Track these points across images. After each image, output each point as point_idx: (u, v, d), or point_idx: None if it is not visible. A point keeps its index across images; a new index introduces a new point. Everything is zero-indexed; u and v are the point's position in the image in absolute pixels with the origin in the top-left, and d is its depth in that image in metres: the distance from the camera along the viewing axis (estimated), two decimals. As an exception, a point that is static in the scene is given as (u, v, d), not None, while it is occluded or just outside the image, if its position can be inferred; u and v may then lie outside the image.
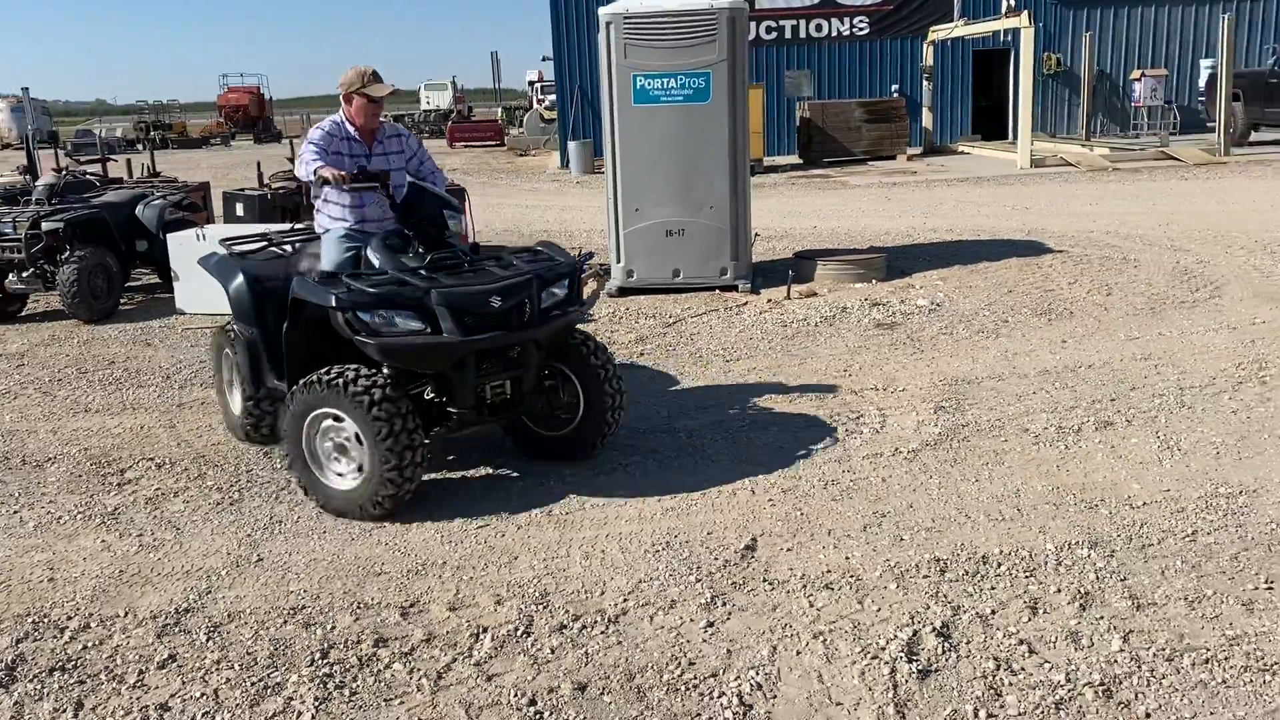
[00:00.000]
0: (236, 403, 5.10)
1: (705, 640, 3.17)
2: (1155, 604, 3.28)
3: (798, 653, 3.07)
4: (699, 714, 2.80)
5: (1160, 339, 6.36)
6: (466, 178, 18.95)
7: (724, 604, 3.38)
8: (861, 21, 23.21)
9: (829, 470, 4.51)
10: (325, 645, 3.21)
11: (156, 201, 9.23)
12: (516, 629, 3.27)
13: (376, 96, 4.68)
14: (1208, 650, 3.00)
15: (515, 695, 2.91)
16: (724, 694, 2.87)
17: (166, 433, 5.45)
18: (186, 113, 60.11)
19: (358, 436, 4.03)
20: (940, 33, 20.98)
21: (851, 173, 18.39)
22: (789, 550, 3.77)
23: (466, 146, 32.87)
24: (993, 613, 3.25)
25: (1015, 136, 18.72)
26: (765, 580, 3.54)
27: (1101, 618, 3.20)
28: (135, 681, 3.06)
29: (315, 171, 4.48)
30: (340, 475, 4.20)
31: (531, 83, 45.87)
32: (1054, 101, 23.71)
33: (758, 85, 19.82)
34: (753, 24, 23.04)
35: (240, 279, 4.73)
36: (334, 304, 4.08)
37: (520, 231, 12.31)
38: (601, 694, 2.91)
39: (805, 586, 3.48)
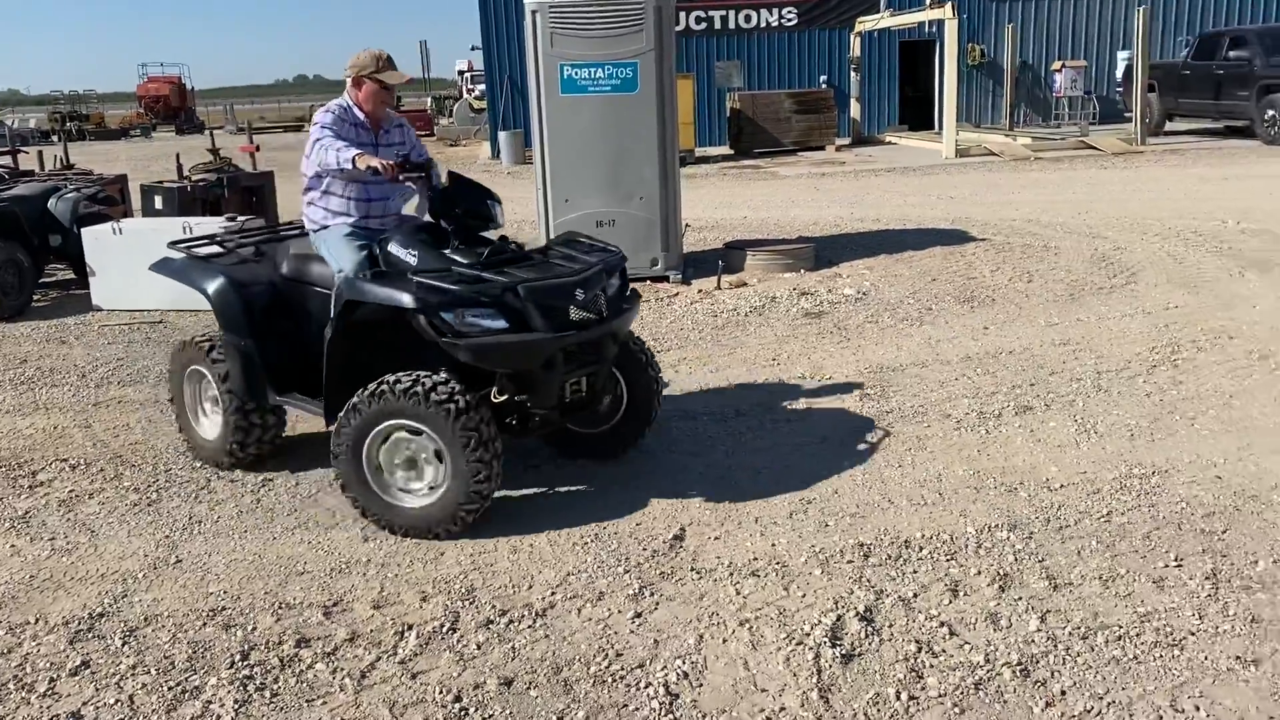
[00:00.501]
0: (213, 426, 4.65)
1: (633, 631, 3.17)
2: (1071, 584, 3.36)
3: (724, 640, 3.09)
4: (625, 705, 2.80)
5: (1078, 325, 6.52)
6: (395, 169, 18.70)
7: (652, 594, 3.39)
8: (790, 13, 23.37)
9: (757, 459, 4.54)
10: (245, 647, 3.14)
11: (70, 194, 8.93)
12: (442, 626, 3.24)
13: (390, 83, 4.35)
14: (1120, 627, 3.08)
15: (440, 692, 2.89)
16: (650, 684, 2.88)
17: (81, 433, 5.29)
18: (105, 103, 58.35)
19: (436, 451, 3.76)
20: (867, 24, 21.21)
21: (782, 163, 18.52)
22: (717, 539, 3.79)
23: (396, 137, 32.34)
24: (915, 596, 3.31)
25: (941, 127, 19.00)
26: (693, 569, 3.55)
27: (1020, 598, 3.27)
28: (46, 690, 2.97)
29: (355, 159, 4.00)
30: (408, 492, 3.88)
31: (461, 72, 45.39)
32: (978, 92, 24.15)
33: (687, 76, 19.83)
34: (681, 14, 23.07)
35: (224, 283, 4.35)
36: (415, 305, 3.73)
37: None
38: (528, 688, 2.90)
39: (732, 575, 3.50)
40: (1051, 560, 3.52)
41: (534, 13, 7.92)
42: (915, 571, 3.47)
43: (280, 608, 3.39)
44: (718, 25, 23.47)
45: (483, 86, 26.62)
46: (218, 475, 4.58)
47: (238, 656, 3.09)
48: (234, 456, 4.56)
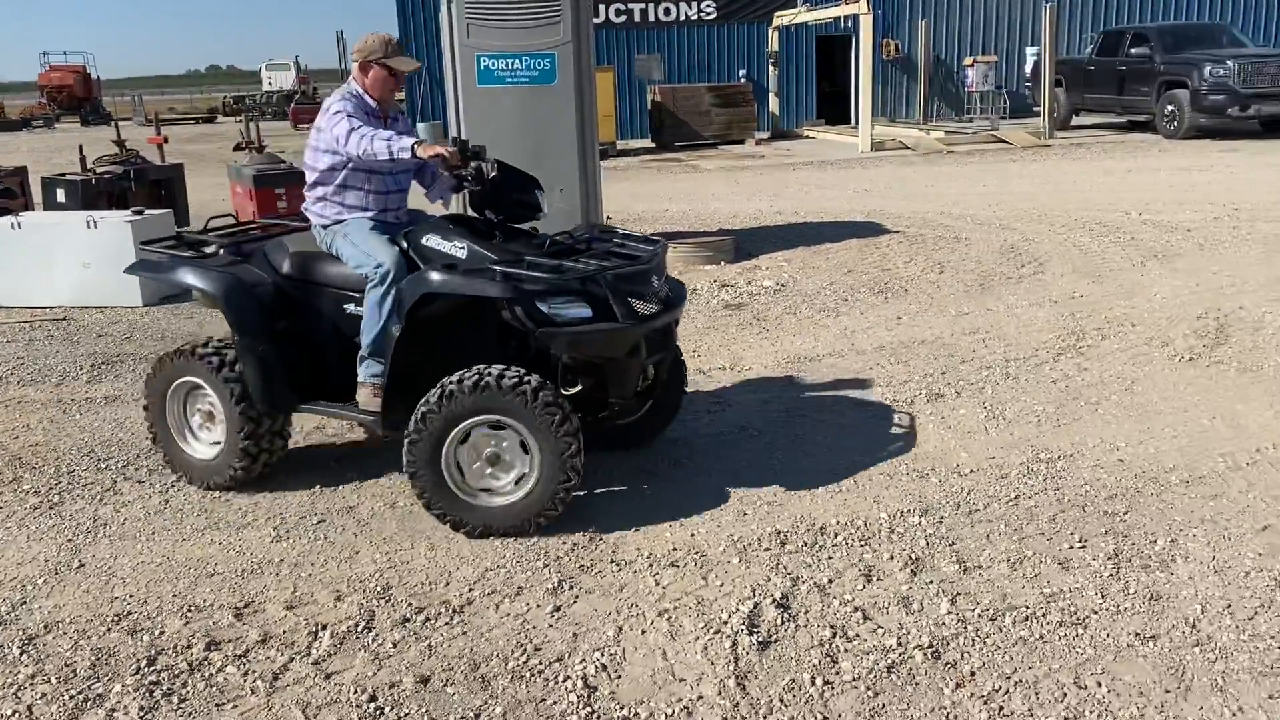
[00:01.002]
0: (207, 444, 4.27)
1: (551, 625, 3.16)
2: (980, 567, 3.44)
3: (643, 632, 3.10)
4: (544, 699, 2.79)
5: (988, 314, 6.68)
6: (311, 161, 18.34)
7: (571, 587, 3.38)
8: (709, 6, 23.48)
9: (677, 450, 4.56)
10: (152, 652, 3.06)
11: (-36, 188, 8.58)
12: (357, 625, 3.19)
13: (399, 70, 4.17)
14: (1027, 608, 3.17)
15: (355, 692, 2.84)
16: (569, 678, 2.88)
17: (-23, 435, 5.09)
18: (5, 93, 56.16)
19: (523, 444, 3.68)
20: (785, 18, 21.43)
21: (702, 156, 18.62)
22: (637, 531, 3.79)
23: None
24: (830, 582, 3.36)
25: (857, 121, 19.29)
26: (613, 562, 3.55)
27: (931, 582, 3.34)
28: (-62, 703, 2.85)
29: (415, 147, 3.78)
30: (492, 491, 3.77)
31: (379, 64, 44.63)
32: (893, 87, 24.56)
33: (607, 68, 19.80)
34: (600, 6, 23.02)
35: (237, 284, 4.07)
36: (513, 295, 3.64)
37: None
38: (445, 685, 2.87)
39: (652, 566, 3.51)
40: (961, 544, 3.60)
41: (449, 3, 7.82)
42: (830, 558, 3.53)
43: (189, 611, 3.30)
44: (637, 18, 23.48)
45: (400, 78, 26.22)
46: (124, 476, 4.45)
47: (144, 662, 3.00)
48: (237, 475, 4.17)
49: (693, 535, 3.73)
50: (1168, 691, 2.74)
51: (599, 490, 4.14)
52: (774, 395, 5.24)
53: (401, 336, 3.82)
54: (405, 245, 3.98)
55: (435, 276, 3.76)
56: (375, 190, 4.18)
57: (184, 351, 4.24)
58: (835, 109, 24.26)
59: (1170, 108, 17.43)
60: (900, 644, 2.98)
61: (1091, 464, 4.26)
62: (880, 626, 3.09)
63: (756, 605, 3.20)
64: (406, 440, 3.71)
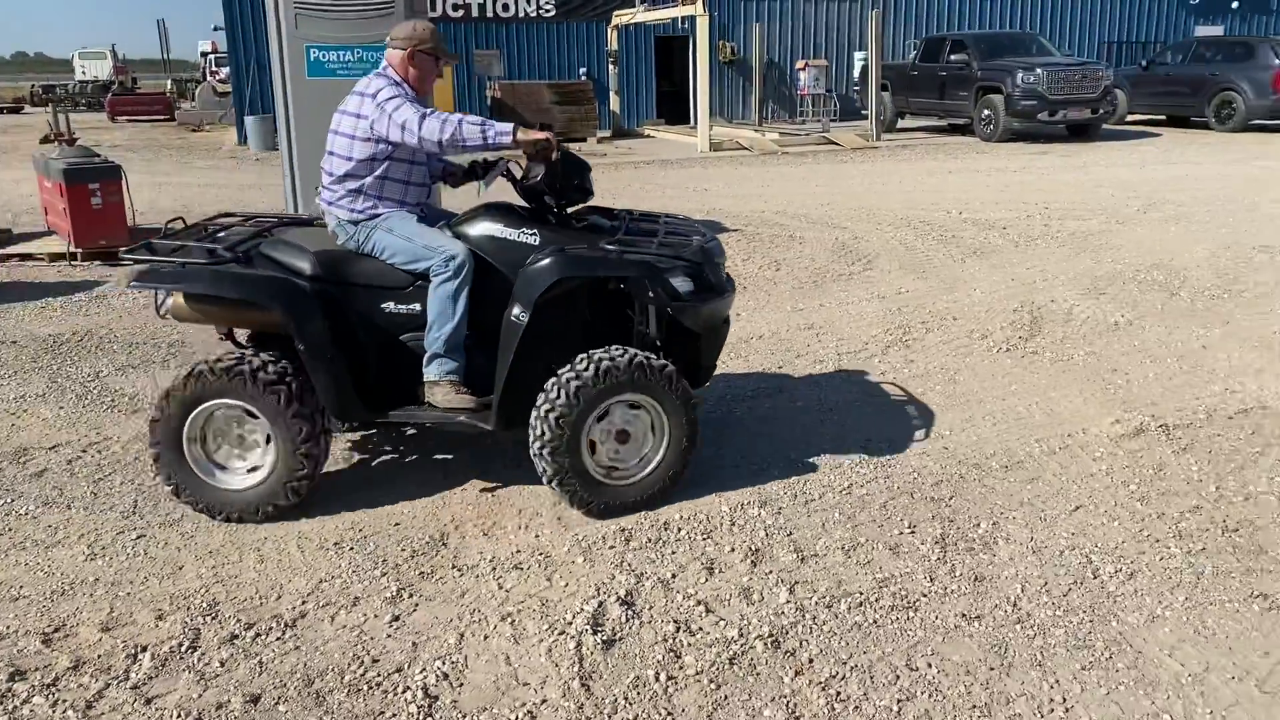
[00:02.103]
0: (240, 472, 3.83)
1: (390, 635, 3.06)
2: (817, 555, 3.53)
3: (485, 637, 3.04)
4: (382, 712, 2.70)
5: (821, 309, 6.88)
6: (130, 154, 17.34)
7: (411, 595, 3.29)
8: (548, 4, 23.39)
9: (518, 451, 4.49)
10: (-54, 687, 2.80)
11: None
12: (181, 644, 3.01)
13: (446, 62, 4.04)
14: (861, 594, 3.27)
15: (179, 716, 2.68)
16: (409, 688, 2.79)
17: None
18: None
19: (653, 425, 3.84)
20: (624, 18, 21.56)
21: (544, 153, 18.52)
22: (480, 534, 3.73)
23: (131, 121, 30.02)
24: (673, 576, 3.38)
25: (696, 121, 19.60)
26: (454, 567, 3.48)
27: (771, 572, 3.41)
28: None
29: (517, 134, 3.68)
30: (618, 469, 3.85)
31: (204, 54, 42.63)
32: (730, 88, 25.08)
33: (446, 63, 19.44)
34: (438, 1, 22.62)
35: (296, 289, 3.73)
36: (651, 273, 3.77)
37: (193, 212, 11.38)
38: (277, 703, 2.74)
39: (495, 569, 3.45)
40: (799, 533, 3.69)
41: (276, -9, 7.52)
42: (674, 552, 3.55)
43: (-11, 640, 3.05)
44: (475, 13, 23.18)
45: (228, 69, 25.07)
46: (-88, 496, 4.08)
47: (-64, 699, 2.75)
48: (297, 494, 3.80)
49: (537, 536, 3.69)
50: (992, 669, 2.88)
51: (440, 494, 4.05)
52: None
53: (528, 325, 3.72)
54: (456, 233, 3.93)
55: (568, 260, 3.74)
56: (415, 182, 4.02)
57: (206, 374, 3.69)
58: (675, 108, 24.58)
59: (986, 112, 18.43)
60: (741, 635, 3.03)
61: (919, 452, 4.44)
62: (722, 619, 3.13)
63: (601, 604, 3.19)
64: (537, 431, 3.72)
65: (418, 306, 3.89)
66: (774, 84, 25.29)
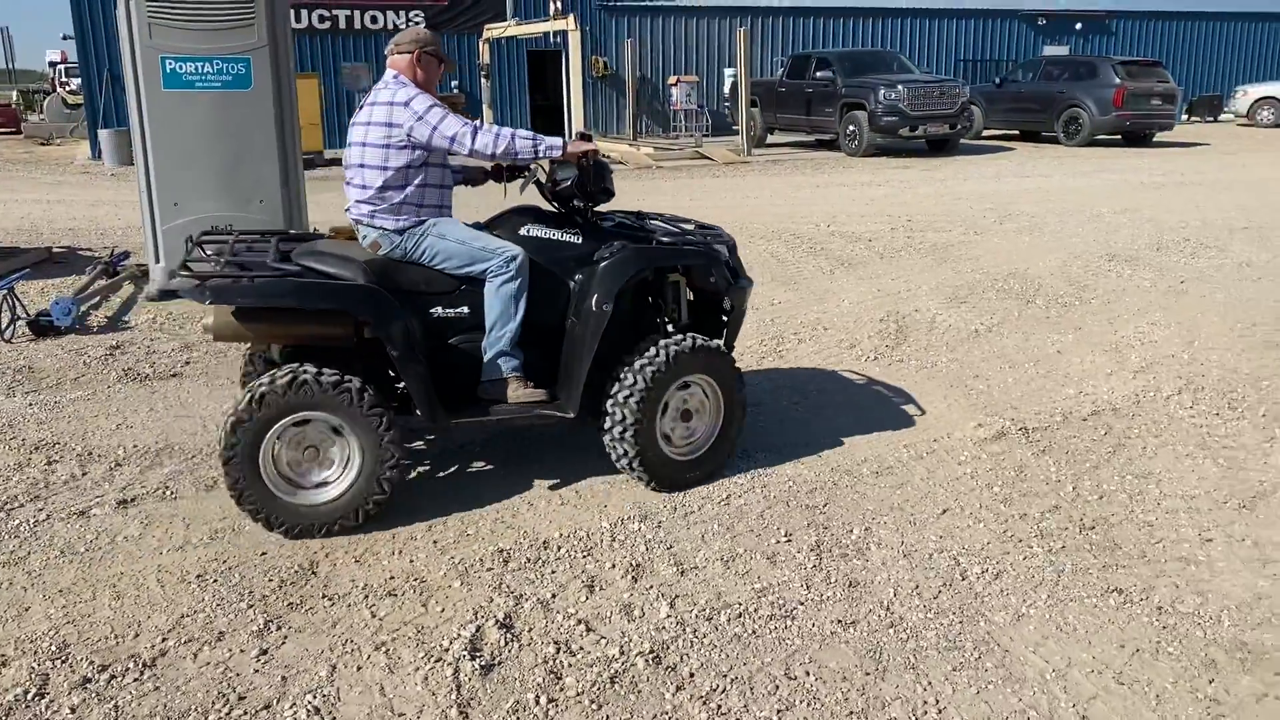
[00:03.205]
0: (312, 486, 3.74)
1: (257, 670, 2.93)
2: (697, 567, 3.55)
3: (359, 668, 2.94)
4: (250, 752, 2.58)
5: (698, 322, 6.94)
6: (-32, 169, 16.32)
7: (279, 628, 3.16)
8: (417, 15, 23.12)
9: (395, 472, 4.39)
10: None
11: None
12: (27, 692, 2.81)
13: (448, 64, 4.22)
14: (740, 605, 3.29)
15: (24, 771, 2.51)
16: (278, 726, 2.68)
17: None
18: None
19: (708, 402, 4.23)
20: (495, 31, 21.44)
21: (416, 167, 18.24)
22: (352, 561, 3.61)
23: (-30, 134, 28.32)
24: (553, 596, 3.34)
25: (571, 135, 19.62)
26: (325, 596, 3.36)
27: (651, 587, 3.40)
28: None
29: (567, 147, 3.98)
30: (675, 445, 4.21)
31: (53, 63, 40.54)
32: (604, 102, 25.21)
33: (311, 75, 19.05)
34: (304, 11, 22.10)
35: (387, 298, 3.75)
36: (718, 259, 4.25)
37: (40, 231, 10.78)
38: (134, 750, 2.59)
39: (367, 597, 3.34)
40: (679, 546, 3.69)
41: (128, 1, 7.19)
42: (554, 572, 3.51)
43: None
44: (343, 25, 22.73)
45: (79, 80, 23.91)
46: None
47: None
48: (381, 502, 3.78)
49: (411, 561, 3.59)
50: (867, 674, 2.93)
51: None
52: (493, 410, 5.16)
53: (609, 317, 3.94)
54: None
55: (645, 252, 4.08)
56: (446, 186, 4.13)
57: (296, 384, 3.59)
58: (549, 123, 24.55)
59: (851, 128, 18.99)
60: (623, 653, 3.01)
61: (794, 461, 4.50)
62: (603, 637, 3.10)
63: (479, 628, 3.12)
64: (615, 417, 3.97)
65: (465, 309, 4.02)
66: (647, 99, 25.53)
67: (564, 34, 19.27)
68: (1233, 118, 28.40)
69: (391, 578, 3.47)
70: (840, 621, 3.20)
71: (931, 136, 18.91)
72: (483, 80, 22.43)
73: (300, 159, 8.10)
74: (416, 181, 3.97)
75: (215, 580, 3.44)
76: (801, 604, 3.31)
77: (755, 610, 3.26)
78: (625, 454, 4.02)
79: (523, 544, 3.70)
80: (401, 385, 4.03)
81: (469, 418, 3.96)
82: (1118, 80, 20.05)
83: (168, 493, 4.15)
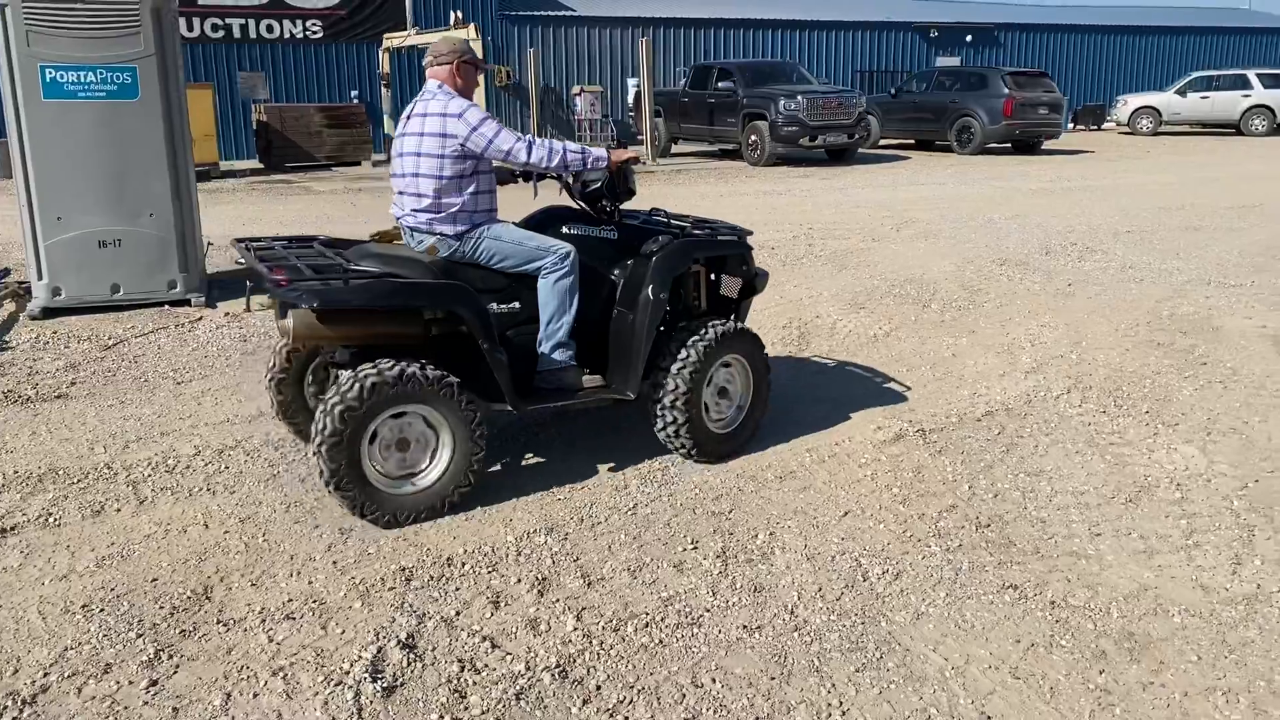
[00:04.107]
0: (398, 476, 3.93)
1: (147, 703, 2.82)
2: (604, 578, 3.53)
3: (255, 695, 2.85)
4: (138, 789, 2.48)
5: (604, 331, 6.94)
6: None
7: (170, 657, 3.04)
8: (315, 25, 22.72)
9: (291, 491, 4.28)
10: None
11: None
12: (-106, 737, 2.66)
13: (485, 69, 4.53)
14: (647, 614, 3.29)
15: (-110, 822, 2.36)
16: (168, 760, 2.58)
17: None
18: None
19: (736, 381, 4.69)
20: (395, 40, 21.16)
21: (316, 178, 17.90)
22: (248, 585, 3.50)
23: None
24: (457, 614, 3.29)
25: (474, 144, 19.46)
26: (220, 622, 3.25)
27: (558, 600, 3.38)
28: None
29: (612, 156, 4.32)
30: (715, 419, 4.63)
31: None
32: (507, 112, 25.09)
33: (205, 85, 18.56)
34: (195, 19, 21.54)
35: (468, 291, 4.02)
36: (747, 249, 4.79)
37: (-90, 247, 10.25)
38: (13, 793, 2.46)
39: (264, 621, 3.25)
40: (586, 558, 3.68)
41: (4, 6, 6.90)
42: (458, 589, 3.46)
43: None
44: (237, 34, 22.21)
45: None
46: None
47: None
48: (454, 499, 4.01)
49: (310, 583, 3.50)
50: (773, 678, 2.95)
51: (202, 543, 3.78)
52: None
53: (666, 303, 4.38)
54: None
55: (693, 245, 4.52)
56: (494, 190, 4.35)
57: (395, 379, 3.75)
58: (452, 132, 24.33)
59: (753, 137, 19.26)
60: (529, 668, 2.98)
61: (701, 468, 4.53)
62: (509, 653, 3.06)
63: (380, 649, 3.06)
64: (663, 391, 4.37)
65: (517, 305, 4.30)
66: (551, 109, 25.50)
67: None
68: (1115, 126, 29.64)
69: (290, 600, 3.38)
70: (746, 627, 3.22)
71: (831, 146, 19.28)
72: (383, 90, 22.11)
73: (192, 171, 7.87)
74: (470, 189, 4.19)
75: (102, 610, 3.30)
76: (708, 611, 3.32)
77: (662, 619, 3.26)
78: (674, 420, 4.39)
79: (426, 561, 3.63)
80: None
81: (541, 404, 4.30)
82: (1007, 90, 20.74)
83: (50, 519, 3.98)
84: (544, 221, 4.46)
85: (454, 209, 4.17)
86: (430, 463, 3.97)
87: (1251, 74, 27.67)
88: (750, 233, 4.88)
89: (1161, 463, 4.59)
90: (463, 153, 4.10)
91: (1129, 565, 3.66)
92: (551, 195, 4.82)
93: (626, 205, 4.69)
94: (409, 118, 4.24)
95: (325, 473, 3.74)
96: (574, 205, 4.60)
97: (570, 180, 4.53)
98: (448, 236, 4.19)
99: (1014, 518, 4.04)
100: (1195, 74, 28.89)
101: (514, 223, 4.40)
